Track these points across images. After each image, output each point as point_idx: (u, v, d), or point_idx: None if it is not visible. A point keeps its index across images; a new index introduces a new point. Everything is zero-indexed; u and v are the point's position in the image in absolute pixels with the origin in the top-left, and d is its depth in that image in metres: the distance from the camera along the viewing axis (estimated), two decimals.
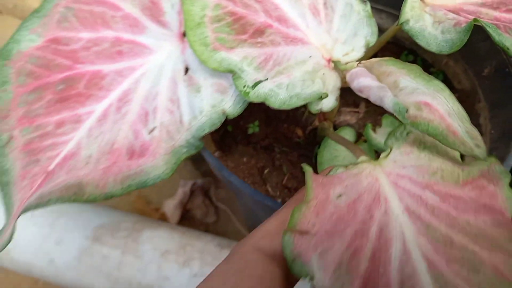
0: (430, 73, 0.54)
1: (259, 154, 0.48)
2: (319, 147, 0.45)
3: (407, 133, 0.32)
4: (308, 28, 0.36)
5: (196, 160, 0.76)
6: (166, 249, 0.56)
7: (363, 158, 0.30)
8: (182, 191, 0.69)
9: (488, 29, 0.33)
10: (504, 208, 0.27)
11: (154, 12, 0.38)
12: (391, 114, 0.31)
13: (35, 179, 0.35)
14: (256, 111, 0.52)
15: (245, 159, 0.48)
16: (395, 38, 0.58)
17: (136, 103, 0.36)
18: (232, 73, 0.33)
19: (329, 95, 0.36)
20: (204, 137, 0.49)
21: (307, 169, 0.28)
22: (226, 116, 0.36)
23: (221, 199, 0.72)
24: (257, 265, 0.26)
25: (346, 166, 0.30)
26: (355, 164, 0.30)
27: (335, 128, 0.49)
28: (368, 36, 0.37)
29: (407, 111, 0.28)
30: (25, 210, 0.33)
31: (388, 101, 0.30)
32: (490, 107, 0.48)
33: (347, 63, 0.37)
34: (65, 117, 0.36)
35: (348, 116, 0.50)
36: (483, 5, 0.40)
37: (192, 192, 0.69)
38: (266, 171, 0.47)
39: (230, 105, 0.35)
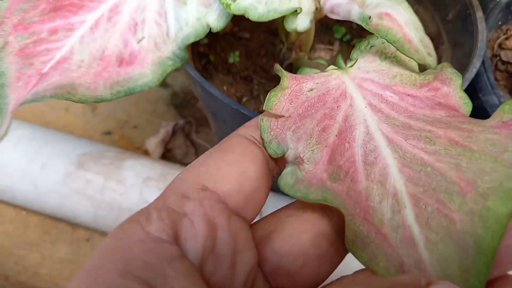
0: None
1: (238, 84, 0.52)
2: None
3: (371, 46, 0.35)
4: None
5: (179, 106, 0.79)
6: (147, 176, 0.59)
7: (332, 67, 0.34)
8: (164, 130, 0.72)
9: None
10: (458, 106, 0.31)
11: None
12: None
13: (30, 80, 0.37)
14: (236, 45, 0.55)
15: (225, 87, 0.51)
16: None
17: (126, 14, 0.39)
18: None
19: (304, 15, 0.39)
20: (186, 64, 0.52)
21: (278, 67, 0.32)
22: (210, 29, 0.39)
23: (201, 140, 0.75)
24: (240, 143, 0.29)
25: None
26: (325, 71, 0.34)
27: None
28: None
29: (369, 18, 0.32)
30: (21, 104, 0.36)
31: (354, 12, 0.33)
32: (452, 47, 0.52)
33: None
34: (58, 25, 0.39)
35: (323, 53, 0.54)
36: None
37: (174, 132, 0.72)
38: (244, 99, 0.51)
39: (214, 18, 0.38)
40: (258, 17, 0.36)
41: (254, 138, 0.30)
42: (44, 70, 0.37)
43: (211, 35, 0.56)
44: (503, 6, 0.54)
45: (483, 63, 0.47)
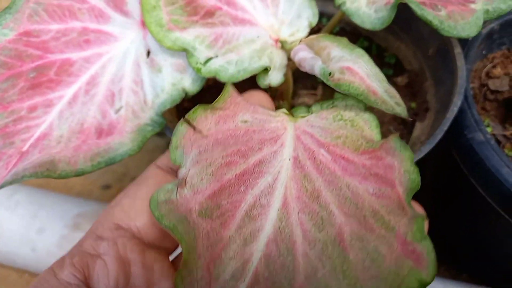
0: (384, 57, 0.59)
1: None
2: None
3: (332, 106, 0.35)
4: (255, 10, 0.40)
5: None
6: None
7: (284, 110, 0.34)
8: None
9: (411, 5, 0.37)
10: (398, 182, 0.28)
11: (118, 3, 0.41)
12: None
13: (10, 160, 0.38)
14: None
15: None
16: (352, 27, 0.62)
17: (103, 85, 0.40)
18: (185, 51, 0.37)
19: (276, 71, 0.40)
20: (171, 121, 0.53)
21: (229, 87, 0.32)
22: (186, 93, 0.39)
23: None
24: (155, 175, 0.32)
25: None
26: (276, 111, 0.34)
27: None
28: (310, 17, 0.41)
29: (330, 74, 0.32)
30: (1, 187, 0.36)
31: (316, 67, 0.34)
32: (434, 84, 0.52)
33: (292, 42, 0.41)
34: (37, 102, 0.40)
35: (306, 98, 0.54)
36: None
37: None
38: None
39: (189, 83, 0.39)
40: (229, 79, 0.37)
41: (171, 168, 0.31)
42: (24, 149, 0.38)
43: None
44: (483, 37, 0.53)
45: (466, 99, 0.46)
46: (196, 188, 0.27)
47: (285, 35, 0.41)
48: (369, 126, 0.32)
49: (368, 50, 0.60)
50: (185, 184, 0.27)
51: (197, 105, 0.30)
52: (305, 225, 0.27)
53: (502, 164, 0.42)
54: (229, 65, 0.37)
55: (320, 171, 0.29)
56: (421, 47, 0.55)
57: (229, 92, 0.31)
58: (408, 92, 0.54)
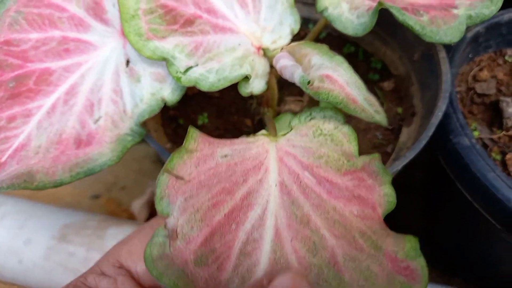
0: (370, 62, 0.58)
1: None
2: None
3: (311, 118, 0.35)
4: (236, 18, 0.40)
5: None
6: None
7: (263, 131, 0.34)
8: (150, 190, 0.71)
9: (392, 10, 0.37)
10: (378, 203, 0.29)
11: (98, 11, 0.41)
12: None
13: None
14: (207, 105, 0.55)
15: None
16: (339, 32, 0.61)
17: (82, 95, 0.39)
18: (165, 61, 0.36)
19: (258, 79, 0.39)
20: (156, 130, 0.52)
21: (192, 129, 0.31)
22: (165, 103, 0.39)
23: None
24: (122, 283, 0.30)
25: (248, 135, 0.33)
26: (255, 135, 0.33)
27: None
28: (292, 24, 0.40)
29: (309, 82, 0.32)
30: None
31: (296, 75, 0.33)
32: (420, 88, 0.52)
33: (275, 49, 0.40)
34: (16, 112, 0.39)
35: (293, 105, 0.54)
36: None
37: None
38: None
39: (169, 92, 0.38)
40: (209, 87, 0.36)
41: (135, 272, 0.32)
42: (2, 160, 0.37)
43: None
44: (469, 40, 0.53)
45: (451, 103, 0.46)
46: (188, 238, 0.27)
47: (267, 42, 0.41)
48: (347, 140, 0.32)
49: (354, 55, 0.60)
50: (177, 236, 0.27)
51: (172, 153, 0.29)
52: (299, 252, 0.27)
53: (488, 168, 0.41)
54: (209, 74, 0.36)
55: (307, 195, 0.29)
56: (407, 52, 0.55)
57: (193, 132, 0.31)
58: (395, 97, 0.54)
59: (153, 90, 0.38)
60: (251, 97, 0.54)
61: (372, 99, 0.33)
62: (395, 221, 0.67)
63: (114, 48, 0.40)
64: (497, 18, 0.55)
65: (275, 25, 0.41)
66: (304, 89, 0.32)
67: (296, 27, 0.40)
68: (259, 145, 0.32)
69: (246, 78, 0.37)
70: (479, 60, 0.59)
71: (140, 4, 0.36)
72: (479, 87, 0.56)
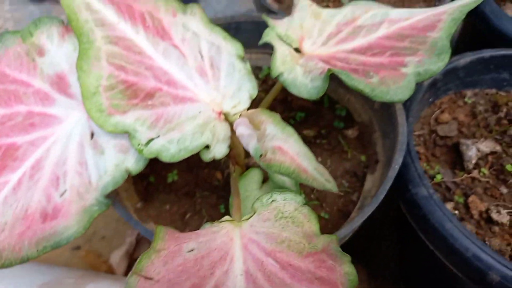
0: (335, 109, 0.60)
1: (180, 201, 0.52)
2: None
3: (272, 201, 0.36)
4: (196, 87, 0.41)
5: None
6: None
7: (227, 217, 0.35)
8: (128, 240, 0.71)
9: (341, 76, 0.39)
10: (340, 283, 0.31)
11: (62, 86, 0.42)
12: None
13: None
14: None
15: (167, 207, 0.52)
16: None
17: (48, 169, 0.40)
18: (128, 133, 0.37)
19: (220, 143, 0.41)
20: (127, 189, 0.53)
21: (159, 229, 0.33)
22: (130, 173, 0.40)
23: None
24: None
25: (213, 222, 0.34)
26: (220, 222, 0.34)
27: (248, 168, 0.53)
28: (251, 90, 0.42)
29: (261, 155, 0.33)
30: None
31: (250, 147, 0.35)
32: (382, 136, 0.54)
33: (235, 114, 0.42)
34: None
35: None
36: (353, 51, 0.46)
37: (138, 241, 0.72)
38: (187, 216, 0.51)
39: (132, 163, 0.40)
40: (170, 159, 0.38)
41: None
42: None
43: None
44: (426, 87, 0.55)
45: (409, 153, 0.48)
46: None
47: (227, 107, 0.42)
48: (308, 220, 0.34)
49: (320, 103, 0.62)
50: None
51: (141, 255, 0.31)
52: None
53: (446, 219, 0.43)
54: (170, 145, 0.38)
55: (271, 282, 0.30)
56: (368, 100, 0.57)
57: (160, 231, 0.32)
58: (359, 144, 0.56)
59: (117, 161, 0.39)
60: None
61: (322, 168, 0.34)
62: (372, 268, 0.68)
63: (78, 121, 0.41)
64: (454, 63, 0.57)
65: (234, 91, 0.42)
66: (257, 161, 0.34)
67: (254, 92, 0.42)
68: (223, 234, 0.33)
69: (207, 147, 0.38)
70: (440, 103, 0.61)
71: (101, 81, 0.38)
72: (441, 130, 0.58)
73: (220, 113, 0.42)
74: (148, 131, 0.38)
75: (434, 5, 0.74)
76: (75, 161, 0.40)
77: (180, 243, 0.31)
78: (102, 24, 0.38)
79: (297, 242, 0.32)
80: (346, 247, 0.50)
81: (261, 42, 0.42)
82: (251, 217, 0.35)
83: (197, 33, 0.41)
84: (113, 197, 0.43)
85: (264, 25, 0.57)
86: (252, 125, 0.39)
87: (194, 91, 0.41)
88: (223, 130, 0.41)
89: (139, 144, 0.38)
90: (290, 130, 0.36)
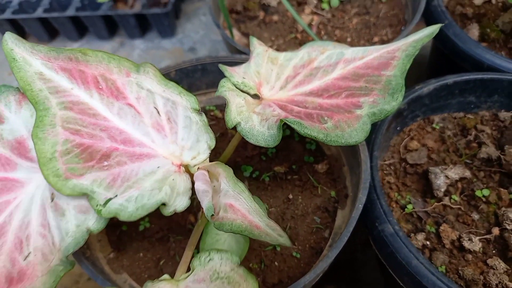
0: (305, 142, 0.61)
1: (154, 247, 0.53)
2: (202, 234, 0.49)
3: (209, 260, 0.36)
4: (153, 143, 0.42)
5: None
6: None
7: (165, 277, 0.35)
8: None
9: (293, 125, 0.40)
10: None
11: (22, 150, 0.43)
12: None
13: None
14: None
15: (141, 254, 0.52)
16: None
17: (11, 233, 0.40)
18: (86, 195, 0.38)
19: (180, 196, 0.41)
20: (100, 240, 0.54)
21: None
22: (91, 232, 0.40)
23: None
24: None
25: (153, 281, 0.34)
26: (159, 281, 0.34)
27: None
28: (208, 140, 0.43)
29: (212, 215, 0.34)
30: None
31: (204, 205, 0.35)
32: (349, 170, 0.54)
33: (195, 165, 0.43)
34: None
35: None
36: (310, 94, 0.47)
37: None
38: (162, 262, 0.52)
39: (93, 222, 0.40)
40: (128, 218, 0.38)
41: None
42: None
43: None
44: (391, 117, 0.56)
45: (375, 189, 0.48)
46: None
47: (187, 158, 0.43)
48: (245, 280, 0.34)
49: (291, 137, 0.62)
50: None
51: None
52: None
53: (412, 256, 0.43)
54: (128, 203, 0.38)
55: None
56: None
57: None
58: (329, 179, 0.56)
59: (78, 222, 0.40)
60: (193, 192, 0.56)
61: (273, 224, 0.35)
62: None
63: (40, 184, 0.42)
64: (418, 92, 0.58)
65: (193, 142, 0.43)
66: (210, 220, 0.34)
67: (212, 143, 0.43)
68: None
69: (164, 205, 0.39)
70: (409, 130, 0.62)
71: (56, 147, 0.38)
72: (411, 158, 0.59)
73: (180, 166, 0.43)
74: (106, 191, 0.38)
75: (401, 31, 0.76)
76: (38, 223, 0.41)
77: None
78: (56, 91, 0.39)
79: None
80: (329, 270, 0.50)
81: (216, 94, 0.43)
82: (188, 277, 0.35)
83: (151, 90, 0.42)
84: (80, 253, 0.44)
85: (229, 64, 0.58)
86: (211, 178, 0.40)
87: (151, 147, 0.42)
88: (183, 182, 0.42)
89: (97, 205, 0.38)
90: (241, 186, 0.37)
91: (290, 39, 0.78)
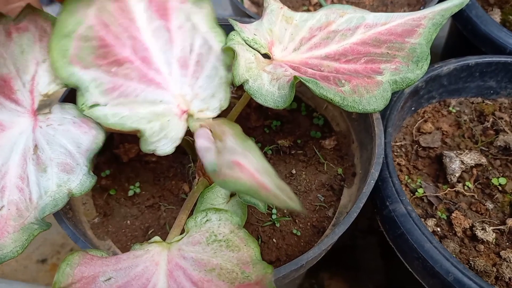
0: (312, 117, 0.57)
1: (143, 215, 0.49)
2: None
3: (206, 220, 0.33)
4: (170, 75, 0.37)
5: None
6: None
7: (156, 238, 0.31)
8: None
9: (308, 84, 0.36)
10: None
11: (6, 90, 0.38)
12: None
13: None
14: (142, 170, 0.52)
15: (128, 222, 0.48)
16: None
17: None
18: (77, 89, 0.34)
19: (167, 140, 0.37)
20: (85, 202, 0.49)
21: (63, 265, 0.29)
22: (72, 195, 0.36)
23: None
24: None
25: (141, 244, 0.30)
26: (148, 243, 0.31)
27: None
28: (223, 100, 0.39)
29: (215, 171, 0.30)
30: None
31: (205, 161, 0.31)
32: (359, 147, 0.50)
33: (198, 118, 0.38)
34: None
35: None
36: (326, 57, 0.43)
37: None
38: (150, 231, 0.48)
39: (77, 184, 0.36)
40: (106, 126, 0.34)
41: None
42: None
43: (115, 164, 0.53)
44: (407, 95, 0.52)
45: (387, 167, 0.45)
46: None
47: (195, 108, 0.38)
48: (245, 244, 0.30)
49: (298, 110, 0.58)
50: None
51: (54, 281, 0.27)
52: None
53: (425, 239, 0.39)
54: (113, 118, 0.34)
55: None
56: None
57: (68, 266, 0.28)
58: (336, 155, 0.52)
59: (60, 181, 0.36)
60: (189, 160, 0.52)
61: (284, 185, 0.31)
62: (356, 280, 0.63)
63: (23, 130, 0.38)
64: (437, 71, 0.54)
65: (208, 95, 0.39)
66: (212, 178, 0.30)
67: (225, 104, 0.39)
68: (148, 258, 0.30)
69: (140, 133, 0.35)
70: (423, 112, 0.58)
71: (79, 27, 0.34)
72: (423, 140, 0.55)
73: (183, 112, 0.38)
74: (99, 96, 0.34)
75: (420, 10, 0.72)
76: (16, 175, 0.37)
77: (96, 271, 0.28)
78: None
79: (229, 270, 0.29)
80: (328, 256, 0.46)
81: (223, 47, 0.38)
82: (181, 239, 0.31)
83: (196, 26, 0.38)
84: (61, 213, 0.40)
85: None
86: (214, 138, 0.35)
87: (166, 79, 0.37)
88: (176, 129, 0.37)
89: (83, 104, 0.34)
90: (250, 144, 0.33)
91: (303, 11, 0.73)
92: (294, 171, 0.51)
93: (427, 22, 0.43)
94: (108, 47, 0.35)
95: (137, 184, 0.50)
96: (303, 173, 0.51)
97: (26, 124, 0.38)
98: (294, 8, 0.74)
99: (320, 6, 0.73)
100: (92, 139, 0.36)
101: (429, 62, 0.40)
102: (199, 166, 0.47)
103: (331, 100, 0.36)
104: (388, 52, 0.42)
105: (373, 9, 0.73)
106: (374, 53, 0.42)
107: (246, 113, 0.57)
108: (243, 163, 0.31)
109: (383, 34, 0.43)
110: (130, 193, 0.49)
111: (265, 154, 0.53)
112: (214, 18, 0.39)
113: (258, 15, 0.70)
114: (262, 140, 0.55)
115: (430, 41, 0.42)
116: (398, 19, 0.45)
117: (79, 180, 0.35)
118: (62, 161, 0.36)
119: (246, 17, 0.64)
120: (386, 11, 0.72)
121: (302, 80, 0.35)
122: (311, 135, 0.55)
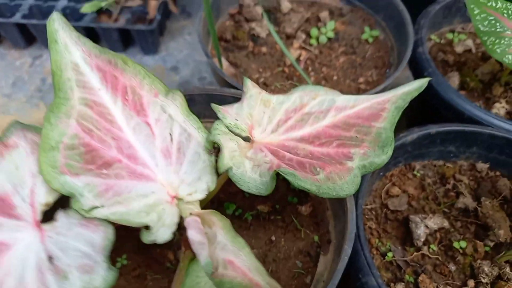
0: (289, 182, 0.60)
1: (130, 285, 0.51)
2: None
3: None
4: (157, 167, 0.41)
5: None
6: None
7: None
8: None
9: (287, 177, 0.39)
10: None
11: (6, 209, 0.39)
12: None
13: None
14: (128, 239, 0.54)
15: None
16: None
17: None
18: (72, 197, 0.36)
19: (165, 228, 0.39)
20: None
21: None
22: None
23: None
24: None
25: None
26: None
27: None
28: (209, 182, 0.42)
29: (212, 273, 0.32)
30: None
31: (201, 259, 0.34)
32: (333, 215, 0.54)
33: (188, 202, 0.41)
34: None
35: None
36: (301, 140, 0.47)
37: None
38: None
39: (100, 282, 0.37)
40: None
41: None
42: None
43: None
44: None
45: (359, 239, 0.48)
46: None
47: (183, 193, 0.42)
48: None
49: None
50: None
51: None
52: None
53: None
54: (112, 216, 0.37)
55: None
56: None
57: None
58: (312, 222, 0.56)
59: (84, 283, 0.37)
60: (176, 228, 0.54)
61: (274, 283, 0.34)
62: None
63: (30, 244, 0.38)
64: (402, 140, 0.59)
65: (194, 179, 0.42)
66: (208, 277, 0.33)
67: (212, 186, 0.42)
68: None
69: (147, 227, 0.37)
70: (391, 175, 0.63)
71: (63, 138, 0.36)
72: (392, 204, 0.59)
73: (173, 197, 0.41)
74: (94, 199, 0.37)
75: (386, 73, 0.78)
76: None
77: None
78: (83, 86, 0.38)
79: None
80: None
81: (210, 138, 0.42)
82: None
83: (173, 117, 0.42)
84: None
85: (216, 97, 0.58)
86: (203, 224, 0.38)
87: (153, 170, 0.41)
88: (171, 215, 0.40)
89: (80, 209, 0.36)
90: (241, 242, 0.36)
91: (278, 72, 0.78)
92: (273, 238, 0.54)
93: (390, 106, 0.48)
94: (95, 150, 0.38)
95: (124, 256, 0.52)
96: (282, 239, 0.54)
97: (31, 237, 0.39)
98: (270, 68, 0.79)
99: (294, 67, 0.78)
100: (103, 235, 0.37)
101: (393, 147, 0.45)
102: (184, 238, 0.50)
103: (308, 189, 0.40)
104: (357, 136, 0.46)
105: (343, 70, 0.78)
106: (345, 136, 0.46)
107: (228, 179, 0.60)
108: (235, 261, 0.34)
109: (351, 118, 0.48)
110: (118, 265, 0.51)
111: (245, 220, 0.56)
112: (187, 107, 0.43)
113: (236, 80, 0.74)
114: (243, 205, 0.58)
115: (393, 124, 0.47)
116: (365, 102, 0.49)
117: (102, 277, 0.37)
118: (80, 263, 0.37)
119: (224, 83, 0.68)
120: (355, 73, 0.78)
121: (281, 173, 0.39)
122: (288, 200, 0.58)
